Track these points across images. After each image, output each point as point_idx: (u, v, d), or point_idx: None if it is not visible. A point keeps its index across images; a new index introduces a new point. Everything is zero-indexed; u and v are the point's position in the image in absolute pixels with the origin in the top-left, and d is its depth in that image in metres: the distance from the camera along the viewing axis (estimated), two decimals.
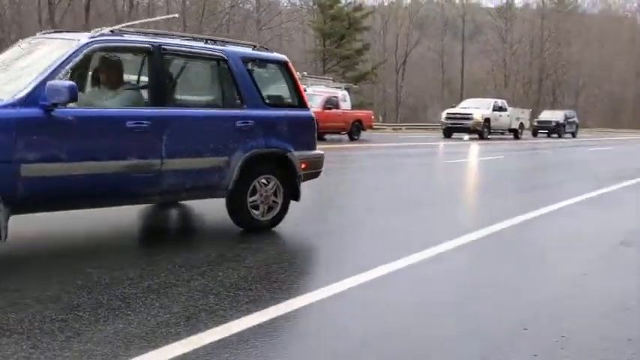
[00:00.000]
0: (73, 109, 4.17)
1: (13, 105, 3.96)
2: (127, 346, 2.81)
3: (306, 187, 5.85)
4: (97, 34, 4.57)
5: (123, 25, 4.93)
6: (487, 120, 27.68)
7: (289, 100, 5.82)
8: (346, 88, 27.55)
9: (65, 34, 5.01)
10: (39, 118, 4.03)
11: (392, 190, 9.46)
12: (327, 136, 20.60)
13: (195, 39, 5.38)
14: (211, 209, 5.98)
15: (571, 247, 5.76)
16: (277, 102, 5.71)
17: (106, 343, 2.84)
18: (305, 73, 21.96)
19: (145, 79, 4.95)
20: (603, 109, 68.10)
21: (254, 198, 5.30)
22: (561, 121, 35.93)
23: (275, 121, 5.45)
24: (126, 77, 4.99)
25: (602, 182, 10.68)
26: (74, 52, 4.30)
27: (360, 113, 24.51)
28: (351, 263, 4.57)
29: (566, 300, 4.03)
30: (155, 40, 4.85)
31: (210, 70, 5.36)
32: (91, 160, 4.30)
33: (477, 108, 28.26)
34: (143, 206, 6.11)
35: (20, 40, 5.24)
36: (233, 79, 5.24)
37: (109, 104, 4.63)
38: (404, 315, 3.55)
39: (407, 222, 6.61)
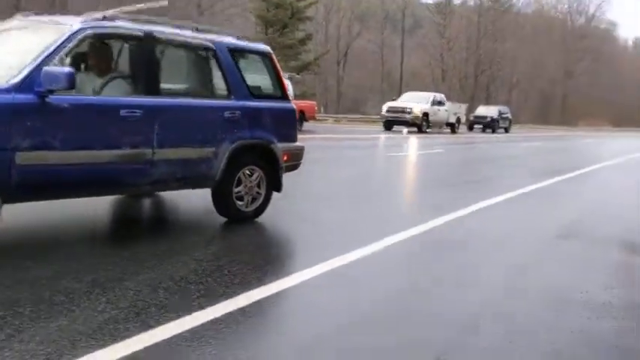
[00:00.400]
0: (67, 96, 4.06)
1: (7, 90, 3.85)
2: (73, 345, 2.67)
3: None
4: (90, 19, 4.46)
5: (113, 10, 4.80)
6: (426, 114, 28.22)
7: (272, 92, 5.80)
8: (289, 78, 27.35)
9: (48, 16, 4.84)
10: (34, 104, 3.92)
11: (343, 183, 9.49)
12: None
13: (181, 27, 5.22)
14: (166, 201, 5.81)
15: (511, 241, 5.93)
16: (261, 93, 5.67)
17: (49, 342, 2.68)
18: None
19: (135, 66, 4.81)
20: (534, 105, 70.88)
21: (239, 189, 5.33)
22: (495, 116, 37.08)
23: (260, 113, 5.48)
24: (116, 64, 4.87)
25: (536, 177, 11.08)
26: (68, 38, 4.19)
27: (303, 104, 24.36)
28: (300, 257, 4.54)
29: (510, 295, 4.13)
30: (147, 28, 4.75)
31: (198, 59, 5.26)
32: (86, 149, 4.22)
33: (417, 102, 28.73)
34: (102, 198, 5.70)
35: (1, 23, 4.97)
36: (221, 69, 5.22)
37: (101, 92, 4.50)
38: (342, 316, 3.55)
39: (358, 214, 6.63)
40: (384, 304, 3.72)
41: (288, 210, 6.31)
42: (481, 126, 37.12)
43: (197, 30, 5.25)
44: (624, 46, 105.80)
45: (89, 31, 4.36)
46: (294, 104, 6.11)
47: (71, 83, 3.93)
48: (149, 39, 4.71)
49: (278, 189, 5.65)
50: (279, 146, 5.56)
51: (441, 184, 10.00)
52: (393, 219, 6.51)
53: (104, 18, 4.55)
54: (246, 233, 5.34)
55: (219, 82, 5.26)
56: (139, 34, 4.68)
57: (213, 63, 5.22)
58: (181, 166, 4.87)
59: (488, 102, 51.73)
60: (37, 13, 5.05)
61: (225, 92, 5.27)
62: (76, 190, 4.38)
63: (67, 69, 3.99)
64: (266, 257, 4.65)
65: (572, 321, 3.56)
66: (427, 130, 28.34)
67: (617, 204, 8.82)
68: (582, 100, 78.60)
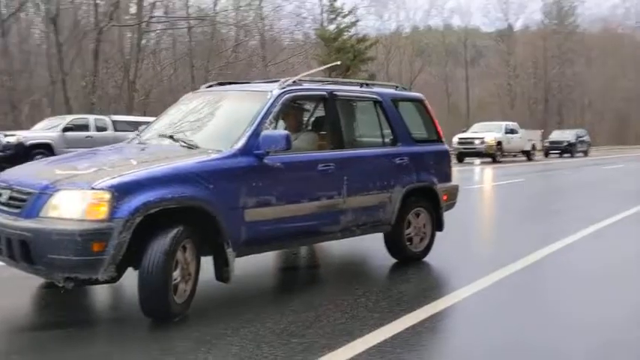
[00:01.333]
0: (279, 156, 4.45)
1: (234, 155, 4.27)
2: None
3: None
4: (285, 84, 4.87)
5: (301, 75, 5.32)
6: (499, 143, 27.70)
7: (429, 135, 6.16)
8: None
9: (238, 85, 5.62)
10: (255, 166, 4.33)
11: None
12: None
13: (350, 84, 5.84)
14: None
15: (610, 277, 5.68)
16: (420, 138, 6.02)
17: None
18: None
19: (323, 123, 5.32)
20: (609, 126, 68.05)
21: (409, 230, 5.65)
22: (573, 140, 35.89)
23: (422, 156, 5.82)
24: (307, 122, 5.51)
25: (628, 201, 10.61)
26: (272, 103, 4.63)
27: None
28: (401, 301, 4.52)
29: (628, 332, 3.95)
30: (328, 87, 5.27)
31: (370, 111, 5.67)
32: (295, 203, 4.60)
33: (489, 131, 28.29)
34: None
35: (189, 95, 5.70)
36: (387, 119, 5.63)
37: (299, 149, 4.83)
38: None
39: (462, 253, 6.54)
40: None
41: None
42: (558, 152, 35.99)
43: (364, 85, 5.78)
44: None
45: (287, 95, 4.80)
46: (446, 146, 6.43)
47: (289, 144, 4.36)
48: (332, 97, 5.16)
49: (440, 228, 5.89)
50: (440, 187, 5.87)
51: (529, 216, 9.75)
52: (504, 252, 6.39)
53: (294, 82, 4.99)
54: (331, 279, 5.37)
55: (387, 130, 5.65)
56: (324, 94, 5.16)
57: (380, 114, 5.61)
58: (364, 213, 5.17)
59: (561, 126, 50.21)
60: (219, 83, 5.76)
61: (392, 140, 5.64)
62: (287, 241, 4.77)
63: (285, 132, 4.48)
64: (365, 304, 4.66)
65: None
66: (501, 160, 27.75)
67: None
68: None
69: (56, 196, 3.70)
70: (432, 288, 4.96)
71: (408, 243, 5.65)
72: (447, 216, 5.94)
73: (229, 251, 4.06)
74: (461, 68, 64.24)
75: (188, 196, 3.91)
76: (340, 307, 4.25)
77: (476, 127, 30.86)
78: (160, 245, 3.70)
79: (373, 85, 5.89)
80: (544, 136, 37.79)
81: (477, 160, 27.67)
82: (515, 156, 30.49)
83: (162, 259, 3.69)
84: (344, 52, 41.65)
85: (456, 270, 5.64)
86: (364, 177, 5.18)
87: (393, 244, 5.64)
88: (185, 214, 3.92)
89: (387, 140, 5.63)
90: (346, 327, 3.80)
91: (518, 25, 66.74)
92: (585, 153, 36.77)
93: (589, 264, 5.90)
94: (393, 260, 5.63)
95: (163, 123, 5.22)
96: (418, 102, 6.20)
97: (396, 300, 4.43)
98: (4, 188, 4.07)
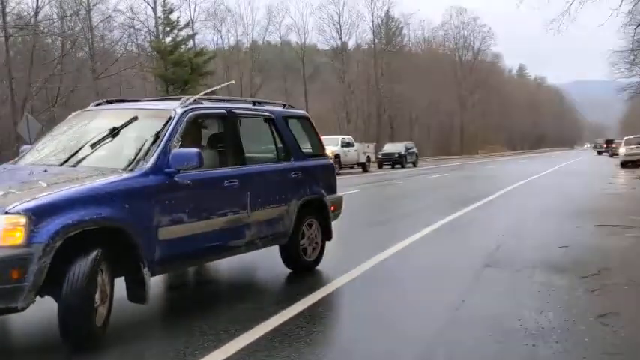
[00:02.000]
0: (188, 173, 4.44)
1: (146, 174, 4.21)
2: None
3: None
4: (187, 103, 4.88)
5: (201, 93, 5.37)
6: (337, 156, 28.70)
7: (315, 151, 6.41)
8: None
9: (130, 103, 5.57)
10: (166, 184, 4.31)
11: None
12: None
13: (244, 101, 5.97)
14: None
15: (444, 273, 6.02)
16: (309, 153, 6.26)
17: None
18: None
19: (224, 140, 5.29)
20: (435, 138, 74.12)
21: (303, 241, 5.86)
22: (403, 152, 38.32)
23: (313, 170, 6.11)
24: (209, 140, 5.46)
25: (452, 207, 11.45)
26: (178, 121, 4.61)
27: None
28: None
29: (454, 327, 4.17)
30: (227, 105, 5.37)
31: (264, 128, 5.81)
32: (204, 219, 4.64)
33: (327, 145, 29.05)
34: None
35: (78, 114, 5.42)
36: (280, 135, 5.84)
37: (205, 166, 4.69)
38: None
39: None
40: None
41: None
42: (390, 163, 38.21)
43: (256, 103, 5.95)
44: (509, 75, 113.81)
45: (190, 113, 4.80)
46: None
47: (201, 161, 4.38)
48: (231, 115, 5.25)
49: (329, 237, 6.23)
50: (328, 198, 6.20)
51: (363, 224, 10.10)
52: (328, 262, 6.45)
53: (194, 101, 4.98)
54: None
55: (280, 146, 5.85)
56: (224, 112, 5.23)
57: (274, 130, 5.81)
58: (266, 226, 5.33)
59: (393, 139, 53.48)
60: (108, 101, 5.60)
61: (286, 155, 5.85)
62: (197, 258, 4.87)
63: (196, 150, 4.44)
64: None
65: (520, 349, 3.63)
66: (339, 172, 28.78)
67: (531, 228, 9.26)
68: (478, 129, 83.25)
69: None
70: (284, 294, 4.85)
71: (302, 253, 5.86)
72: None
73: (145, 271, 4.00)
74: (300, 84, 65.98)
75: (106, 217, 3.85)
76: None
77: None
78: (80, 268, 3.60)
79: (264, 103, 6.14)
80: (377, 149, 39.97)
81: None
82: (352, 168, 31.84)
83: (84, 283, 3.59)
84: (181, 65, 40.69)
85: (299, 278, 5.62)
86: (265, 191, 5.35)
87: (289, 254, 5.82)
88: (101, 235, 3.83)
89: (281, 156, 5.82)
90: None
91: (351, 44, 70.16)
92: (414, 164, 39.45)
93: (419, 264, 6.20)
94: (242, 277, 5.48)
95: (56, 144, 5.00)
96: (304, 119, 6.46)
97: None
98: None
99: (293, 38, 70.04)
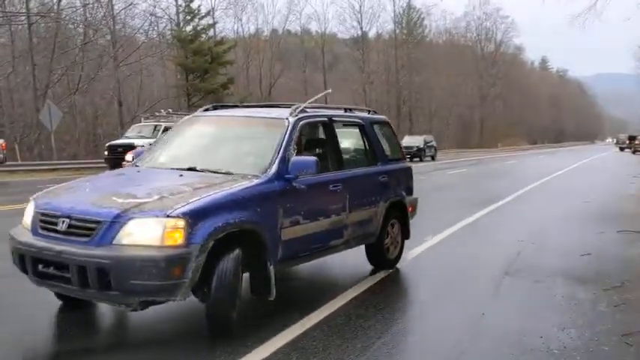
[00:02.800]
0: (302, 178, 4.80)
1: (271, 180, 4.59)
2: None
3: None
4: (297, 112, 5.23)
5: (307, 102, 5.61)
6: None
7: (395, 154, 6.68)
8: None
9: (240, 110, 6.00)
10: (287, 189, 4.69)
11: None
12: None
13: (337, 108, 6.22)
14: None
15: (462, 282, 5.94)
16: (391, 156, 6.55)
17: None
18: (170, 109, 21.06)
19: (327, 146, 5.67)
20: (454, 131, 73.50)
21: (387, 240, 6.20)
22: (421, 145, 37.99)
23: (396, 173, 6.45)
24: (314, 146, 5.80)
25: (471, 207, 11.30)
26: (292, 130, 4.98)
27: None
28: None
29: (476, 341, 4.10)
30: (327, 113, 5.77)
31: (356, 134, 6.16)
32: (315, 221, 5.02)
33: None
34: None
35: (189, 119, 5.84)
36: (369, 140, 6.17)
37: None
38: None
39: None
40: None
41: None
42: (409, 156, 37.89)
43: (347, 110, 6.21)
44: (531, 68, 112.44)
45: (301, 122, 5.17)
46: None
47: (318, 169, 4.82)
48: (330, 122, 5.65)
49: (408, 237, 6.58)
50: (407, 200, 6.55)
51: None
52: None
53: (302, 110, 5.31)
54: None
55: (369, 151, 6.17)
56: (325, 119, 5.63)
57: (364, 135, 6.15)
58: (360, 226, 5.70)
59: (411, 132, 53.15)
60: (214, 107, 6.09)
61: (374, 159, 6.17)
62: (307, 256, 5.13)
63: (314, 158, 4.86)
64: None
65: None
66: None
67: (552, 232, 9.10)
68: (499, 122, 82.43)
69: (130, 224, 3.83)
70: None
71: (386, 252, 6.22)
72: None
73: (271, 268, 4.40)
74: (319, 73, 65.81)
75: (244, 220, 4.24)
76: None
77: None
78: (227, 266, 4.02)
79: (354, 109, 6.39)
80: None
81: None
82: None
83: (232, 278, 4.03)
84: (201, 54, 40.79)
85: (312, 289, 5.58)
86: (361, 194, 5.73)
87: (375, 253, 6.19)
88: (240, 236, 4.20)
89: (370, 159, 6.15)
90: None
91: (371, 34, 69.84)
92: (433, 157, 39.12)
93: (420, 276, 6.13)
94: None
95: (174, 148, 5.42)
96: (385, 124, 6.71)
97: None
98: (59, 217, 4.06)
99: (313, 27, 70.07)
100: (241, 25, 62.09)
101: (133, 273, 3.73)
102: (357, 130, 6.14)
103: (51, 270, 4.01)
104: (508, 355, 3.89)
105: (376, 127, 6.40)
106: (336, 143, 5.65)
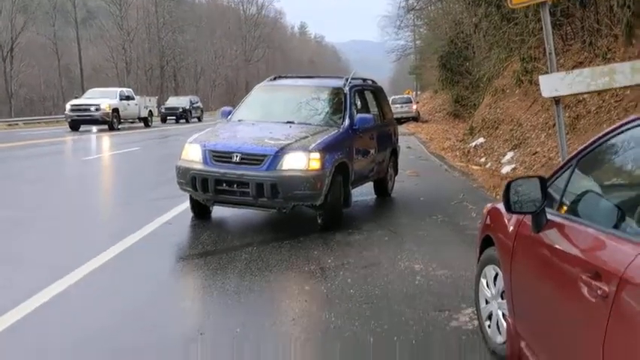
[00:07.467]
0: (358, 127, 7.01)
1: (346, 130, 6.83)
2: None
3: None
4: (348, 81, 7.51)
5: (350, 75, 7.98)
6: (116, 110, 26.67)
7: (390, 113, 9.29)
8: None
9: (304, 80, 8.39)
10: (356, 135, 6.98)
11: (29, 202, 8.17)
12: None
13: (361, 78, 8.54)
14: None
15: None
16: (388, 115, 9.06)
17: None
18: None
19: (372, 104, 8.28)
20: (221, 92, 73.49)
21: (388, 176, 8.57)
22: (187, 106, 37.21)
23: (393, 128, 9.00)
24: (362, 104, 7.88)
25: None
26: (350, 95, 7.30)
27: None
28: None
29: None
30: (359, 83, 8.05)
31: (372, 97, 8.39)
32: (364, 157, 7.27)
33: (104, 98, 26.94)
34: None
35: (262, 86, 8.18)
36: (379, 102, 8.51)
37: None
38: None
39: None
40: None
41: None
42: (174, 117, 36.89)
43: (365, 80, 8.64)
44: (291, 33, 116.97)
45: (353, 89, 7.49)
46: None
47: (374, 123, 7.66)
48: (363, 88, 8.13)
49: (396, 173, 9.11)
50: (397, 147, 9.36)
51: (147, 185, 9.43)
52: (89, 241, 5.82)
53: (349, 80, 7.55)
54: None
55: (379, 110, 8.47)
56: (360, 87, 7.97)
57: (376, 99, 8.52)
58: (379, 164, 7.92)
59: (177, 92, 51.74)
60: (279, 77, 8.43)
61: (382, 116, 8.51)
62: (358, 181, 7.16)
63: (372, 115, 7.62)
64: None
65: None
66: (119, 127, 26.89)
67: None
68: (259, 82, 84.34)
69: (287, 156, 5.98)
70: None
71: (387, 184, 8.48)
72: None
73: (350, 187, 6.70)
74: (71, 28, 59.92)
75: (342, 156, 6.42)
76: None
77: (89, 93, 29.11)
78: (337, 184, 6.20)
79: (367, 79, 8.71)
80: (160, 102, 38.26)
81: (94, 128, 26.23)
82: (132, 122, 29.99)
83: (340, 191, 6.32)
84: None
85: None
86: (381, 141, 8.00)
87: (382, 186, 8.34)
88: (339, 166, 6.26)
89: (380, 117, 8.36)
90: None
91: None
92: (199, 118, 38.65)
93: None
94: None
95: (260, 108, 7.44)
96: (383, 91, 9.07)
97: None
98: (231, 153, 6.10)
99: None
100: None
101: (294, 186, 5.87)
102: (372, 95, 8.39)
103: (232, 187, 5.99)
104: None
105: (380, 92, 8.76)
106: (366, 103, 7.98)
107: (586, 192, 2.43)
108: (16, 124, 33.97)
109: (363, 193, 8.27)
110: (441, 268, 4.82)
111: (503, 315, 3.09)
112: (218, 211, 6.83)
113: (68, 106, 26.62)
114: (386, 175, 8.28)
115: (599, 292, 1.84)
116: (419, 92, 58.90)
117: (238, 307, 4.00)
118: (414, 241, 5.82)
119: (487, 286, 3.39)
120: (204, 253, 5.33)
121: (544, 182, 2.54)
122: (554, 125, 9.22)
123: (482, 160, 13.11)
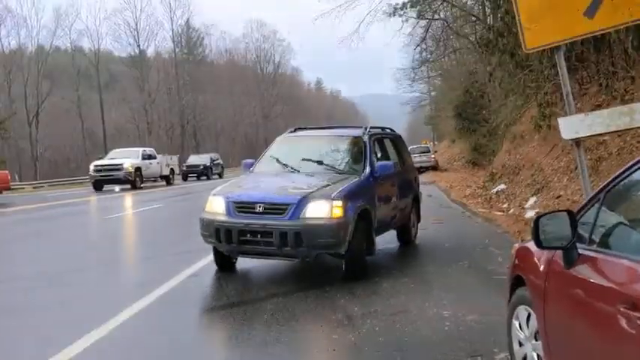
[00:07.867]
0: (379, 174, 6.99)
1: (367, 177, 6.84)
2: None
3: None
4: (367, 131, 7.61)
5: (369, 125, 8.14)
6: (138, 169, 27.17)
7: (410, 160, 9.40)
8: None
9: (325, 130, 8.78)
10: (377, 182, 6.95)
11: (53, 259, 8.25)
12: None
13: (379, 127, 8.63)
14: None
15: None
16: (409, 162, 9.21)
17: None
18: None
19: (392, 152, 8.41)
20: (240, 148, 74.47)
21: (411, 223, 8.60)
22: (208, 164, 37.75)
23: (414, 174, 9.20)
24: (381, 151, 8.05)
25: None
26: (370, 143, 7.31)
27: None
28: None
29: None
30: (378, 131, 8.21)
31: (389, 144, 8.51)
32: (386, 203, 7.32)
33: (127, 157, 27.47)
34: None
35: (282, 138, 8.21)
36: (398, 149, 8.62)
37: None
38: None
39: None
40: None
41: None
42: (195, 174, 37.36)
43: (384, 129, 8.66)
44: (308, 89, 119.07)
45: (373, 137, 7.58)
46: None
47: (395, 169, 7.53)
48: (382, 137, 8.22)
49: (419, 221, 9.08)
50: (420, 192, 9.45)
51: (172, 239, 9.48)
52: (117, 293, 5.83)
53: (368, 130, 7.68)
54: None
55: (399, 157, 8.51)
56: (379, 135, 8.09)
57: (395, 146, 8.63)
58: (402, 210, 7.97)
59: (198, 150, 52.54)
60: (298, 129, 8.39)
61: (402, 163, 8.52)
62: (382, 229, 7.25)
63: (392, 162, 7.55)
64: None
65: None
66: (142, 186, 27.28)
67: None
68: None
69: (310, 205, 5.97)
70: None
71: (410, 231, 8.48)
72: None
73: (374, 234, 6.66)
74: (95, 92, 61.77)
75: (365, 202, 6.42)
76: None
77: (112, 153, 29.71)
78: (359, 231, 6.15)
79: (384, 128, 8.73)
80: (181, 161, 38.84)
81: (117, 188, 26.63)
82: (155, 181, 30.42)
83: (362, 238, 6.24)
84: None
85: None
86: (403, 188, 8.06)
87: (405, 232, 8.36)
88: (361, 213, 6.25)
89: (400, 164, 8.34)
90: None
91: (150, 52, 67.58)
92: (220, 175, 39.06)
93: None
94: None
95: (283, 159, 7.41)
96: (401, 138, 9.25)
97: None
98: (255, 203, 6.11)
99: (85, 44, 65.38)
100: None
101: (317, 234, 5.86)
102: (391, 143, 8.50)
103: (256, 237, 5.97)
104: None
105: (399, 140, 8.90)
106: (386, 150, 8.15)
107: (617, 224, 2.41)
108: (42, 187, 34.74)
109: (387, 241, 8.17)
110: (470, 314, 4.73)
111: (538, 356, 3.02)
112: (242, 263, 6.83)
113: (92, 167, 27.17)
114: (409, 222, 8.29)
115: (638, 322, 1.80)
116: (436, 142, 59.15)
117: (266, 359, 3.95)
118: (442, 288, 5.74)
119: (520, 327, 3.31)
120: (230, 305, 5.31)
121: (573, 216, 2.52)
122: (575, 168, 9.18)
123: (505, 205, 13.00)
